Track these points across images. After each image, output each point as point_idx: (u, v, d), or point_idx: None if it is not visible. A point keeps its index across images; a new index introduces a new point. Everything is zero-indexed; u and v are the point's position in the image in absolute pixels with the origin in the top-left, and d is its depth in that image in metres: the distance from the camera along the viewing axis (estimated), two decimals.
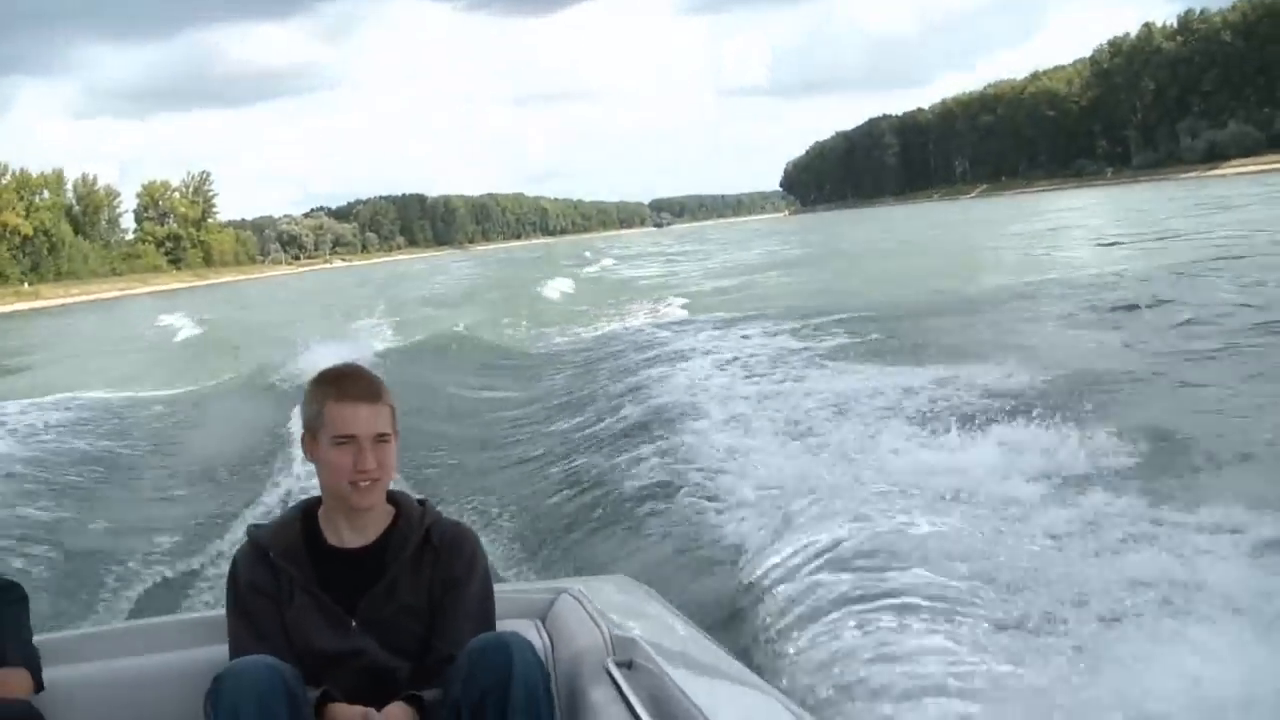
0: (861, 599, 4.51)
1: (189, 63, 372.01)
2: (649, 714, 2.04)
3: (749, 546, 5.62)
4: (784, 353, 13.48)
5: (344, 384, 2.53)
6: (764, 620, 4.64)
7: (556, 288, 37.53)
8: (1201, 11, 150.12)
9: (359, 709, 2.38)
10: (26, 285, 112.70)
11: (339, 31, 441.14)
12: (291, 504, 2.79)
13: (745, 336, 15.94)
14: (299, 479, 8.87)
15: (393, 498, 2.62)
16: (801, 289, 27.18)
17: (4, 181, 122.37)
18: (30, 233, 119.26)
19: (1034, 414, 7.81)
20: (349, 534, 2.56)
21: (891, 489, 6.21)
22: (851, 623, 4.36)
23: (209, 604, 6.18)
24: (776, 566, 5.11)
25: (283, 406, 12.50)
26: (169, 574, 7.36)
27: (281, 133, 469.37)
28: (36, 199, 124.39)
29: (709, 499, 6.90)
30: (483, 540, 2.72)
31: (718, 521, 6.36)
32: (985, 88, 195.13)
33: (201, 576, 7.15)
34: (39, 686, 2.61)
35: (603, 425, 10.35)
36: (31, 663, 2.63)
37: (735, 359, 13.25)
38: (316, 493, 2.66)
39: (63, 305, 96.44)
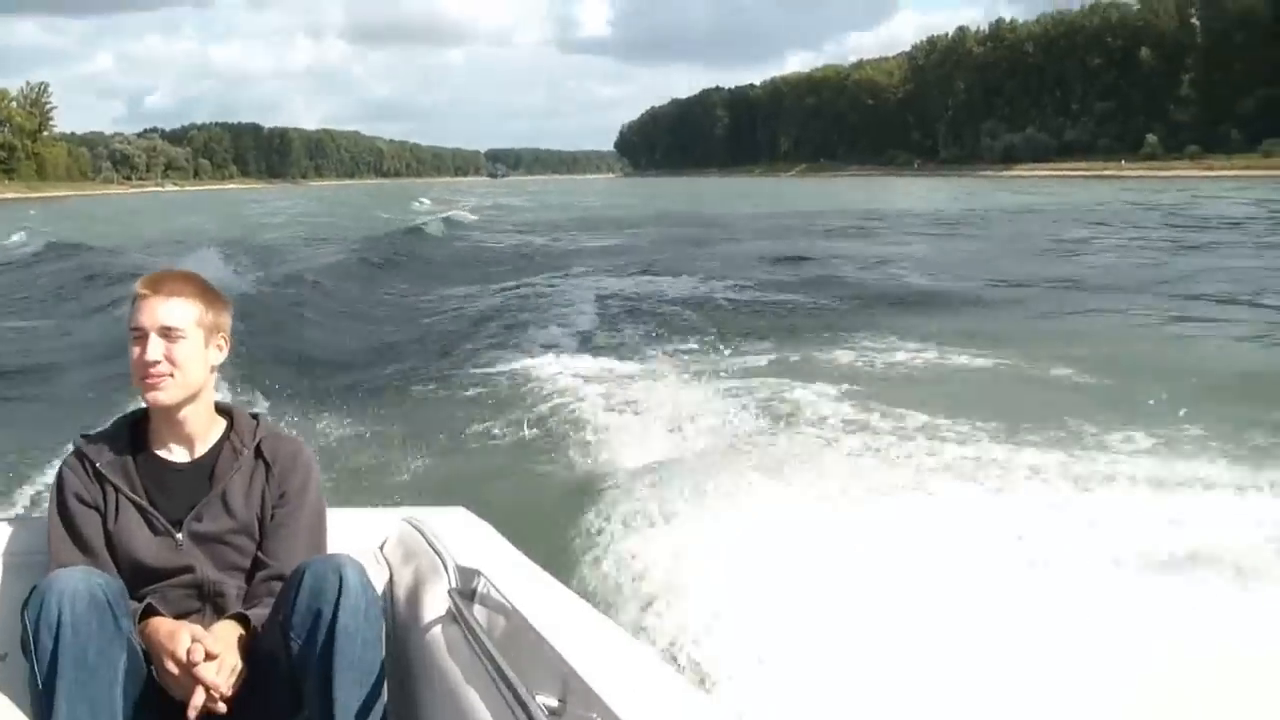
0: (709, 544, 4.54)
1: None
2: (493, 643, 1.98)
3: (594, 488, 5.61)
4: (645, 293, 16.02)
5: (147, 280, 2.41)
6: (602, 563, 4.62)
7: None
8: (1011, 21, 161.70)
9: (183, 624, 2.26)
10: None
11: None
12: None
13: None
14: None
15: (225, 410, 2.52)
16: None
17: None
18: None
19: None
20: (176, 445, 2.45)
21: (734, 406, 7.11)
22: (688, 566, 4.35)
23: (37, 509, 5.79)
24: (618, 509, 5.07)
25: None
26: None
27: (118, 46, 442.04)
28: None
29: (559, 436, 7.04)
30: (321, 463, 2.62)
31: (564, 460, 6.43)
32: (812, 71, 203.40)
33: (33, 483, 6.64)
34: None
35: (463, 360, 10.52)
36: None
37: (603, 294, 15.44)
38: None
39: None
